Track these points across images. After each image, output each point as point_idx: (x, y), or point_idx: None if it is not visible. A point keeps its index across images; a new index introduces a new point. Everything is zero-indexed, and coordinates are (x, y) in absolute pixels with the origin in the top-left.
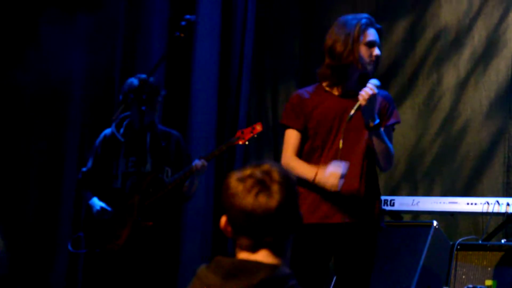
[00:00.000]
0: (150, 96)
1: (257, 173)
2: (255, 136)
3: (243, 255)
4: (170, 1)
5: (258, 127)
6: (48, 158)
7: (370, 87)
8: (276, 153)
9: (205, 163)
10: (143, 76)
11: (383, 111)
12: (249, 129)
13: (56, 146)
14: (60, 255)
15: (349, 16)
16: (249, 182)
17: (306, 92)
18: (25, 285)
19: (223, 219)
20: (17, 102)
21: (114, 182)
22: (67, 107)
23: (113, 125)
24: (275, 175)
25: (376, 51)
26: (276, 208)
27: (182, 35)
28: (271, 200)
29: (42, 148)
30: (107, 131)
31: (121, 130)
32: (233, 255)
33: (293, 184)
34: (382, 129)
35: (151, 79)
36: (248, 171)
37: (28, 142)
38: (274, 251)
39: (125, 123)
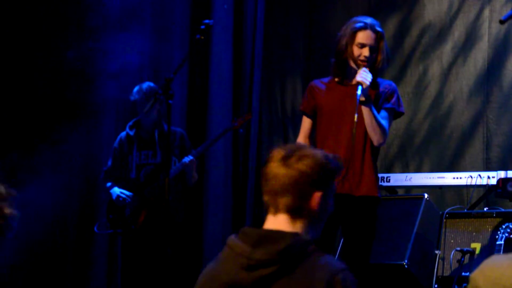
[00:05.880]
0: (147, 101)
1: (283, 151)
2: (246, 122)
3: (267, 226)
4: (191, 8)
5: (249, 116)
6: (88, 153)
7: (362, 71)
8: (285, 139)
9: (194, 160)
10: (144, 84)
11: (385, 95)
12: (241, 117)
13: (94, 143)
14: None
15: (357, 18)
16: (276, 156)
17: (320, 82)
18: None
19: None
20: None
21: (130, 173)
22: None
23: (127, 127)
24: (286, 154)
25: (365, 53)
26: (290, 178)
27: (202, 37)
28: (289, 171)
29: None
30: (122, 133)
31: (133, 130)
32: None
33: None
34: (373, 107)
35: (147, 84)
36: (279, 149)
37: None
38: (293, 218)
39: (132, 123)
